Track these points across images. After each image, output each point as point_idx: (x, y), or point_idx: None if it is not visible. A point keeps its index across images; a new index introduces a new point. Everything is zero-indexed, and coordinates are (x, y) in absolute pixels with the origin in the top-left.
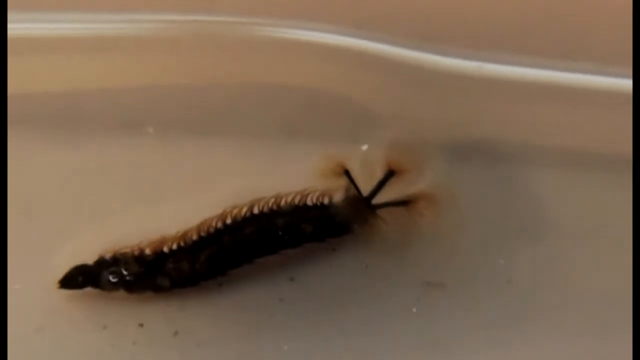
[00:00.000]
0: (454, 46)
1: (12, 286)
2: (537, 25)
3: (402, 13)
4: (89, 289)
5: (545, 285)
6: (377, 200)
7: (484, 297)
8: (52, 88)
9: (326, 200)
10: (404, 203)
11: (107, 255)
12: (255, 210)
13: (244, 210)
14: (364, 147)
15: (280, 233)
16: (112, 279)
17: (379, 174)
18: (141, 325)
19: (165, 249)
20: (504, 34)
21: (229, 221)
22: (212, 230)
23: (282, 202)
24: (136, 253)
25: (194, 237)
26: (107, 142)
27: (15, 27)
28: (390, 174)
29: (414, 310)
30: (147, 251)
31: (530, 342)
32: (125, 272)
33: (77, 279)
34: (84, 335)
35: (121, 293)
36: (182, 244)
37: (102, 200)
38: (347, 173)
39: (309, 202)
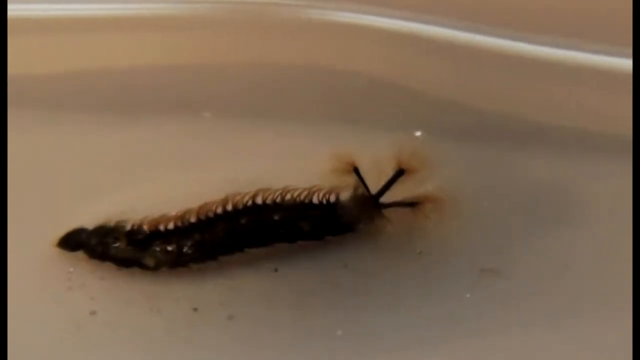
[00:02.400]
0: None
1: (67, 269)
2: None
3: None
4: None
5: (603, 270)
6: (385, 199)
7: (541, 282)
8: (106, 67)
9: (333, 198)
10: (412, 204)
11: (108, 225)
12: (258, 201)
13: (246, 198)
14: (418, 133)
15: (275, 227)
16: (100, 249)
17: (389, 173)
18: (195, 309)
19: (162, 228)
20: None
21: (229, 207)
22: (210, 214)
23: (287, 196)
24: (129, 228)
25: (192, 220)
26: (162, 123)
27: (68, 8)
28: (400, 173)
29: (468, 296)
30: (145, 227)
31: (587, 326)
32: (113, 245)
33: (72, 241)
34: (138, 319)
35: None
36: (179, 224)
37: (154, 183)
38: (356, 171)
39: (314, 200)
